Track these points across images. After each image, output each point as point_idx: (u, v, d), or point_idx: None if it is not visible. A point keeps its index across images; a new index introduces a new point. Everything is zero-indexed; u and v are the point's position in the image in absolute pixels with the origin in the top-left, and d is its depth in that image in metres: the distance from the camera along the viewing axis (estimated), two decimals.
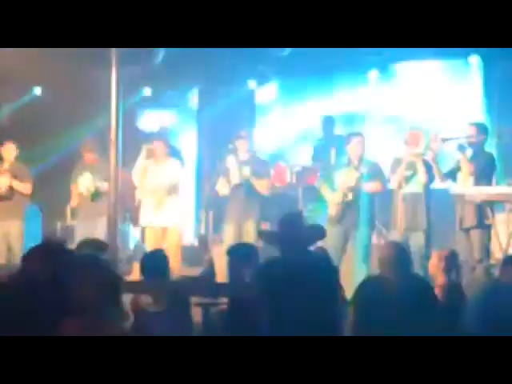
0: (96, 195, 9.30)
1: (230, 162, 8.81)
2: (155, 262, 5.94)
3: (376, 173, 8.41)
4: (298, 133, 11.14)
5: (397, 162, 8.43)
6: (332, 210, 8.41)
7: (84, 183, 9.35)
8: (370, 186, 8.36)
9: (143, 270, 6.02)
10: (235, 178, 8.79)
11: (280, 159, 10.59)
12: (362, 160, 8.39)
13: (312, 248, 5.47)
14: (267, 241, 5.95)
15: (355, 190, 8.30)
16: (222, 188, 8.94)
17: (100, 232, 8.89)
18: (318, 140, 10.72)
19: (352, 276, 8.06)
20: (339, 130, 10.53)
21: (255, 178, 8.80)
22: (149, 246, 8.81)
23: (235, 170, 8.77)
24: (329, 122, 10.63)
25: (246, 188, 8.83)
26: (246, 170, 8.81)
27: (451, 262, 6.45)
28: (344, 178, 8.33)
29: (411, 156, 8.35)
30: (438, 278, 6.34)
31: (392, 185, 8.49)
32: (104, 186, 9.12)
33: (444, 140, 8.41)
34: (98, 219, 9.13)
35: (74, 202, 9.57)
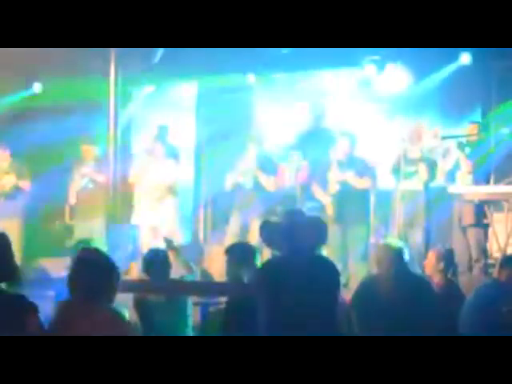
0: (90, 186, 9.29)
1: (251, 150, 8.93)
2: (159, 261, 5.96)
3: (366, 170, 8.46)
4: (297, 130, 11.10)
5: (399, 159, 8.43)
6: (328, 209, 8.45)
7: (80, 181, 9.37)
8: (359, 183, 8.41)
9: (146, 269, 6.01)
10: (248, 163, 8.86)
11: (280, 158, 10.58)
12: (351, 158, 8.46)
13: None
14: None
15: (346, 188, 8.35)
16: (231, 182, 9.01)
17: (98, 231, 8.90)
18: (305, 131, 10.74)
19: (352, 275, 8.07)
20: (329, 123, 10.55)
21: (262, 172, 8.86)
22: (146, 246, 8.82)
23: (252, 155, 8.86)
24: (318, 114, 10.65)
25: (252, 185, 8.88)
26: (255, 163, 8.89)
27: (447, 262, 6.45)
28: (333, 177, 8.42)
29: (412, 153, 8.36)
30: (435, 278, 6.34)
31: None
32: (99, 178, 9.13)
33: (444, 138, 8.43)
34: (95, 218, 9.14)
35: (72, 201, 9.56)
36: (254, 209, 8.88)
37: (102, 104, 8.56)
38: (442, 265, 6.40)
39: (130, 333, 4.15)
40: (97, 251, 4.34)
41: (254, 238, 8.46)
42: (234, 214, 9.01)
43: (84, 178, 9.35)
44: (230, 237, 8.84)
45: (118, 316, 4.14)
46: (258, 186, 8.91)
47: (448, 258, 6.50)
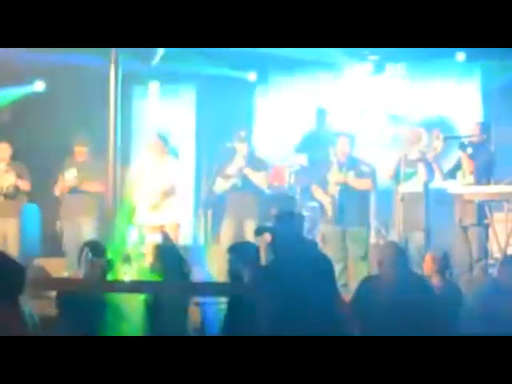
0: (74, 191, 9.35)
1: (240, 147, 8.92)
2: (176, 260, 5.95)
3: (366, 171, 8.44)
4: (297, 130, 11.10)
5: (400, 161, 8.42)
6: (328, 210, 8.44)
7: (68, 178, 9.41)
8: (359, 184, 8.39)
9: (164, 267, 5.96)
10: (238, 164, 8.85)
11: (279, 159, 10.58)
12: (351, 158, 8.45)
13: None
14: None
15: (346, 189, 8.34)
16: (221, 184, 8.99)
17: (87, 231, 8.96)
18: (308, 132, 10.75)
19: (352, 276, 8.07)
20: (333, 123, 10.56)
21: (252, 170, 8.86)
22: (147, 245, 8.82)
23: (241, 154, 8.85)
24: (321, 114, 10.65)
25: (244, 185, 8.88)
26: (245, 161, 8.89)
27: (443, 264, 6.45)
28: (333, 178, 8.41)
29: (412, 154, 8.35)
30: (433, 279, 6.36)
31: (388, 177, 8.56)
32: (91, 185, 9.22)
33: (446, 138, 8.43)
34: (81, 218, 9.20)
35: (57, 192, 9.56)
36: (247, 209, 8.89)
37: (101, 103, 8.56)
38: (437, 267, 6.41)
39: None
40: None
41: (248, 239, 8.47)
42: (228, 215, 9.03)
43: (71, 180, 9.40)
44: (225, 238, 8.85)
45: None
46: (249, 185, 8.92)
47: (443, 260, 6.50)
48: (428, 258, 6.57)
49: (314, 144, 10.11)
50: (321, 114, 10.68)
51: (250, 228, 8.75)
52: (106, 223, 8.47)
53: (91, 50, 7.03)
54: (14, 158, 9.45)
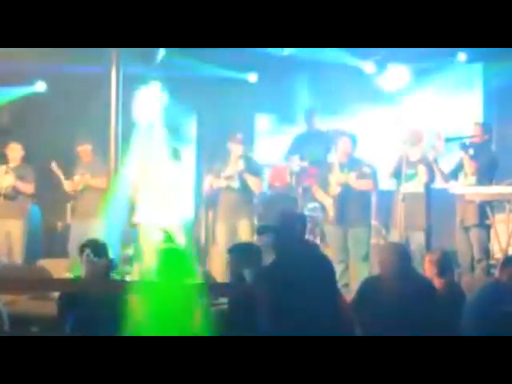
0: (86, 191, 9.39)
1: (234, 148, 8.91)
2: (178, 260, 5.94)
3: (367, 171, 8.43)
4: (296, 132, 11.10)
5: (399, 162, 8.41)
6: (329, 210, 8.44)
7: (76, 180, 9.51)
8: (361, 184, 8.38)
9: (165, 267, 5.96)
10: (232, 166, 8.86)
11: (279, 159, 10.58)
12: (352, 159, 8.44)
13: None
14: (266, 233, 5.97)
15: (347, 189, 8.33)
16: (216, 185, 9.02)
17: (95, 231, 8.97)
18: (298, 134, 10.74)
19: (353, 276, 8.07)
20: (323, 124, 10.56)
21: (249, 174, 8.87)
22: (146, 246, 8.83)
23: (236, 156, 8.85)
24: (310, 114, 10.65)
25: (239, 186, 8.89)
26: (241, 164, 8.89)
27: (443, 265, 6.43)
28: (334, 178, 8.40)
29: (412, 155, 8.35)
30: (434, 280, 6.35)
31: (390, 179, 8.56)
32: (96, 182, 9.27)
33: (448, 140, 8.43)
34: (92, 218, 9.23)
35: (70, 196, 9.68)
36: (240, 210, 8.90)
37: (102, 104, 8.58)
38: (435, 269, 6.40)
39: None
40: None
41: (242, 239, 8.50)
42: (221, 216, 9.05)
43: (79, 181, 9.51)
44: (220, 240, 8.86)
45: None
46: (243, 187, 8.92)
47: (442, 261, 6.46)
48: (427, 259, 6.55)
49: (312, 145, 10.11)
50: (309, 114, 10.68)
51: (243, 228, 8.78)
52: (108, 223, 8.48)
53: (93, 51, 7.04)
54: (23, 159, 9.49)
